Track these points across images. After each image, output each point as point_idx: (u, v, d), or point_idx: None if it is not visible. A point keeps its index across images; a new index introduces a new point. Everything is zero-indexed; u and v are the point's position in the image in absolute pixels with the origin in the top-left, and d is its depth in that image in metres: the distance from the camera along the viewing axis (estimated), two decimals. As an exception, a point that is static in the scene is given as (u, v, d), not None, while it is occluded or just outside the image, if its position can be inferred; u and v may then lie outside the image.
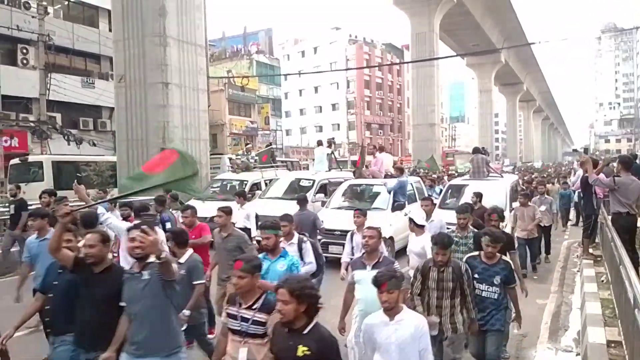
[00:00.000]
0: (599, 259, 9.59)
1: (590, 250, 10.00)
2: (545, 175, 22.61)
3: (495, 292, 4.48)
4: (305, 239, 5.55)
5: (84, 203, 4.94)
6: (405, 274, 4.36)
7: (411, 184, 12.32)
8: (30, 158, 17.83)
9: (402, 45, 73.77)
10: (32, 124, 22.80)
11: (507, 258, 4.75)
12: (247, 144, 20.65)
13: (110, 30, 22.95)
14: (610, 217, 8.03)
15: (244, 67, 46.85)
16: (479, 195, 8.50)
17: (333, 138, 15.36)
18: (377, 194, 11.65)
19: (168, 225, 7.46)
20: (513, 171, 26.17)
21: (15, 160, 17.11)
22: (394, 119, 74.60)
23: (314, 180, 12.68)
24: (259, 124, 44.86)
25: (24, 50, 25.00)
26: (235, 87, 40.63)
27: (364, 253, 4.65)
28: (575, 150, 58.72)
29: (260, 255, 4.43)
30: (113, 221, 5.63)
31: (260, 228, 4.76)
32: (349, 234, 6.49)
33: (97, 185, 15.37)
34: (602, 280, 7.89)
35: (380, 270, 3.44)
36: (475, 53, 51.42)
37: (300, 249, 5.36)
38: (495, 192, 10.51)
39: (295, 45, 75.53)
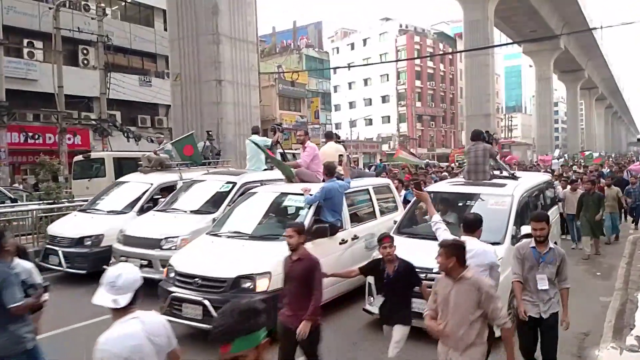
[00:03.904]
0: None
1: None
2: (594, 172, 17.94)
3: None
4: None
5: None
6: None
7: (370, 188, 8.28)
8: (93, 155, 18.56)
9: (454, 34, 72.00)
10: (93, 122, 23.81)
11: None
12: (159, 134, 15.19)
13: (165, 29, 23.63)
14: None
15: (294, 61, 47.07)
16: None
17: (280, 124, 10.43)
18: (295, 210, 7.24)
19: None
20: (568, 165, 24.72)
21: (79, 157, 17.85)
22: (446, 110, 72.97)
23: (233, 184, 8.70)
24: (309, 118, 45.01)
25: (85, 51, 26.17)
26: (286, 82, 40.95)
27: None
28: (640, 140, 55.46)
29: None
30: None
31: None
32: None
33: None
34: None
35: None
36: (533, 40, 49.24)
37: None
38: (492, 209, 6.54)
39: (345, 38, 75.22)
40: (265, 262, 5.73)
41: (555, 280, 4.44)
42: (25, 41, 23.98)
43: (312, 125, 45.07)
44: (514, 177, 7.78)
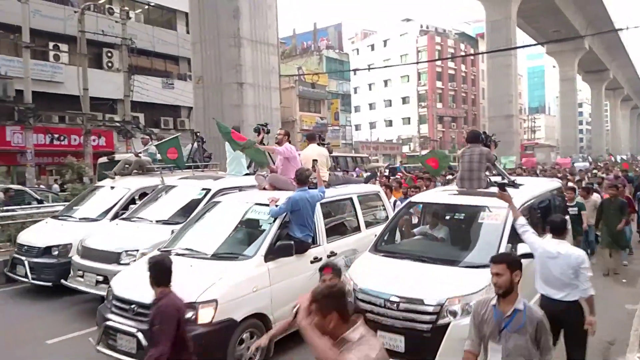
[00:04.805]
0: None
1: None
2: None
3: None
4: None
5: None
6: None
7: (353, 197, 7.18)
8: (117, 156, 18.89)
9: (476, 34, 71.27)
10: (117, 124, 24.22)
11: None
12: (146, 134, 14.33)
13: (187, 32, 23.89)
14: None
15: (314, 63, 47.18)
16: None
17: (266, 124, 8.65)
18: (256, 224, 6.14)
19: None
20: (594, 168, 23.64)
21: (103, 159, 18.16)
22: (468, 111, 72.25)
23: (207, 191, 7.84)
24: (329, 120, 45.04)
25: (109, 54, 26.61)
26: (306, 84, 41.08)
27: None
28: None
29: None
30: None
31: None
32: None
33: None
34: None
35: None
36: (556, 40, 48.46)
37: None
38: (483, 223, 5.68)
39: (365, 39, 75.08)
40: (212, 288, 4.82)
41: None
42: (51, 44, 24.46)
43: (332, 127, 45.12)
44: (513, 185, 6.63)
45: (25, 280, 7.97)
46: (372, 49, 72.80)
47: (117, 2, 27.55)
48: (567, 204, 8.94)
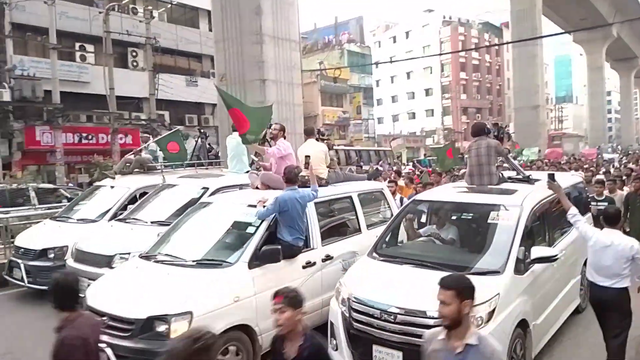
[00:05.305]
0: None
1: None
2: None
3: None
4: None
5: None
6: None
7: (353, 195, 6.66)
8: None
9: (501, 23, 69.95)
10: (143, 122, 24.59)
11: None
12: (144, 132, 13.64)
13: (210, 30, 24.08)
14: None
15: (336, 57, 47.01)
16: None
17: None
18: (244, 227, 5.62)
19: None
20: (624, 159, 22.70)
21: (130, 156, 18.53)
22: (493, 102, 71.07)
23: (206, 189, 7.49)
24: (351, 114, 44.89)
25: (134, 53, 27.00)
26: (328, 79, 40.99)
27: None
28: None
29: None
30: None
31: None
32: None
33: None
34: None
35: None
36: (583, 29, 47.27)
37: None
38: (493, 224, 5.16)
39: (387, 31, 74.43)
40: (187, 298, 4.48)
41: None
42: (77, 45, 24.91)
43: (354, 121, 44.97)
44: (528, 181, 6.06)
45: (22, 284, 7.69)
46: (394, 41, 72.13)
47: (141, 1, 27.88)
48: (595, 198, 8.50)
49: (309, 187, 5.79)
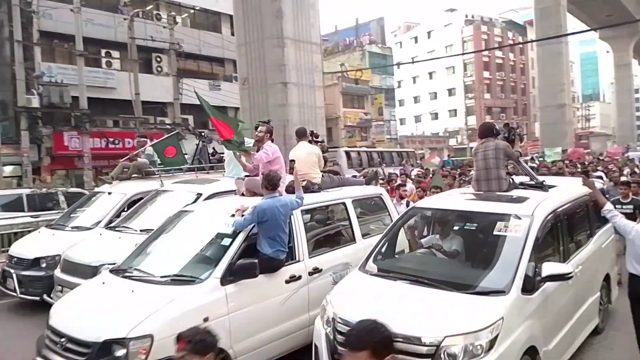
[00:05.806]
0: None
1: None
2: None
3: None
4: None
5: None
6: None
7: (347, 202, 6.11)
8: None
9: (524, 21, 68.90)
10: (168, 126, 24.94)
11: None
12: (140, 136, 13.02)
13: (232, 34, 24.30)
14: None
15: (357, 58, 46.94)
16: None
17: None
18: (221, 239, 5.09)
19: None
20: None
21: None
22: (517, 101, 69.97)
23: (199, 196, 7.24)
24: (373, 115, 44.75)
25: (158, 59, 27.44)
26: (349, 80, 40.92)
27: None
28: None
29: None
30: None
31: None
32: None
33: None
34: None
35: None
36: (610, 26, 46.16)
37: None
38: (500, 236, 4.61)
39: (408, 32, 74.02)
40: (148, 320, 4.04)
41: None
42: (103, 51, 25.43)
43: (376, 122, 44.80)
44: (542, 187, 5.45)
45: (14, 294, 7.47)
46: (416, 41, 71.64)
47: (165, 7, 28.32)
48: (621, 201, 7.92)
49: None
